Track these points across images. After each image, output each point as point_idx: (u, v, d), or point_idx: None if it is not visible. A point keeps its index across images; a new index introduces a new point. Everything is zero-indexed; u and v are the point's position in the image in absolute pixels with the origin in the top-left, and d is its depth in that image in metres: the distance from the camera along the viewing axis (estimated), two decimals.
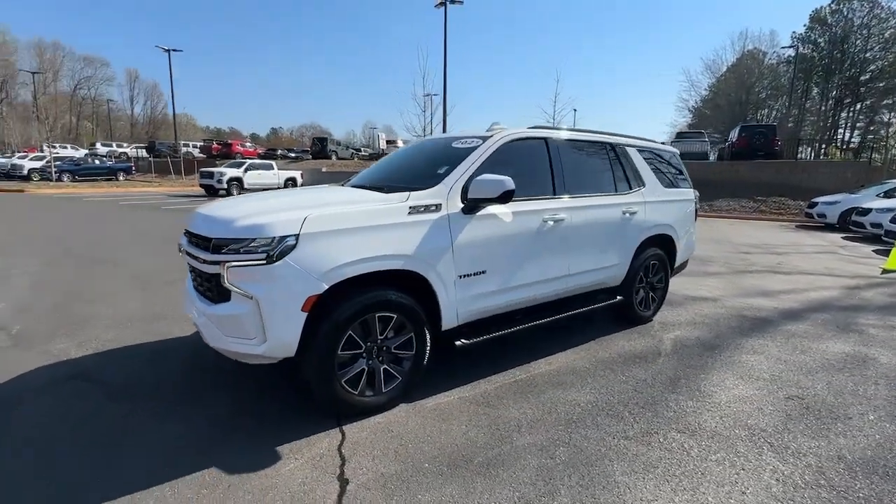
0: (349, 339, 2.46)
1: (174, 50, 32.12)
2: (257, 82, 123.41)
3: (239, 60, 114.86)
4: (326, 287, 2.32)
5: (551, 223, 3.31)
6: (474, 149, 3.15)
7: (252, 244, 2.24)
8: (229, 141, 39.08)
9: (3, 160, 29.31)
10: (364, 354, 2.57)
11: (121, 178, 29.76)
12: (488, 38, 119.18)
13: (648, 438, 2.42)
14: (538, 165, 3.44)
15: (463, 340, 2.99)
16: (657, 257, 4.34)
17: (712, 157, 27.23)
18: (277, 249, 2.23)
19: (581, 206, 3.56)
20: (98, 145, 40.53)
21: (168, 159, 32.01)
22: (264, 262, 2.22)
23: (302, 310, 2.28)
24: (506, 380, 3.11)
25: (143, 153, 38.01)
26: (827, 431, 2.51)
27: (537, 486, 2.04)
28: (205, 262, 2.41)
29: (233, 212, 2.50)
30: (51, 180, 26.15)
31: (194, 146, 39.38)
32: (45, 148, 38.71)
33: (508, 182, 2.77)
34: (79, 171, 27.81)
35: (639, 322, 4.31)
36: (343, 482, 2.05)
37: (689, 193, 4.81)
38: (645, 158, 4.36)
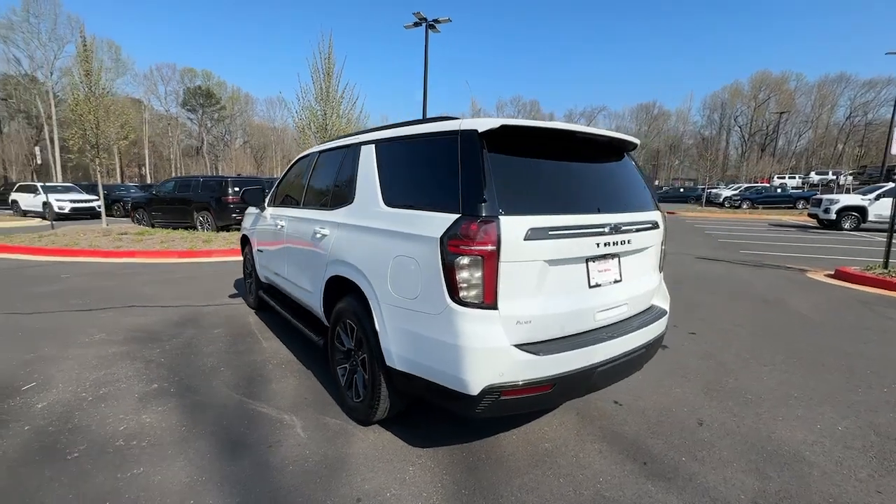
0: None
1: None
2: None
3: None
4: None
5: (278, 227, 3.83)
6: None
7: None
8: None
9: (718, 190, 35.18)
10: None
11: (800, 206, 29.10)
12: None
13: None
14: (303, 177, 3.82)
15: (261, 292, 4.66)
16: (356, 318, 2.53)
17: None
18: None
19: (289, 216, 3.63)
20: (812, 174, 39.72)
21: None
22: None
23: None
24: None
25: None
26: None
27: None
28: None
29: None
30: (737, 207, 30.41)
31: None
32: (775, 178, 43.34)
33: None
34: (758, 199, 30.17)
35: (348, 412, 2.77)
36: None
37: (428, 223, 1.98)
38: (382, 158, 2.58)
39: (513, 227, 1.88)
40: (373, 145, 2.74)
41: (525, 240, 1.91)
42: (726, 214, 24.83)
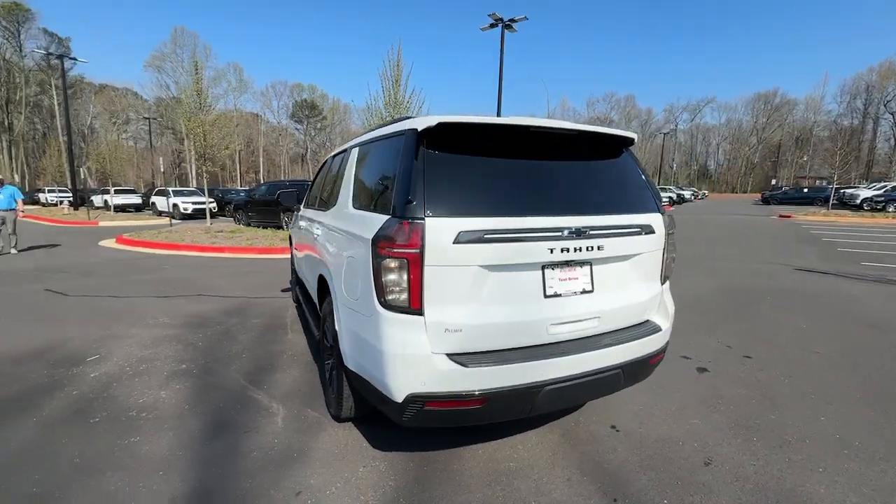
0: None
1: None
2: None
3: None
4: None
5: (301, 227, 4.08)
6: None
7: None
8: None
9: (856, 190, 29.53)
10: None
11: None
12: None
13: None
14: (321, 179, 4.01)
15: (297, 287, 5.00)
16: (331, 316, 2.57)
17: None
18: None
19: (307, 217, 3.83)
20: None
21: None
22: None
23: None
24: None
25: None
26: None
27: None
28: None
29: None
30: (879, 210, 25.43)
31: None
32: None
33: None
34: None
35: (327, 407, 2.86)
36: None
37: (368, 224, 1.96)
38: (358, 161, 2.61)
39: (440, 229, 1.79)
40: (357, 148, 2.80)
41: (455, 243, 1.80)
42: (861, 219, 20.77)
